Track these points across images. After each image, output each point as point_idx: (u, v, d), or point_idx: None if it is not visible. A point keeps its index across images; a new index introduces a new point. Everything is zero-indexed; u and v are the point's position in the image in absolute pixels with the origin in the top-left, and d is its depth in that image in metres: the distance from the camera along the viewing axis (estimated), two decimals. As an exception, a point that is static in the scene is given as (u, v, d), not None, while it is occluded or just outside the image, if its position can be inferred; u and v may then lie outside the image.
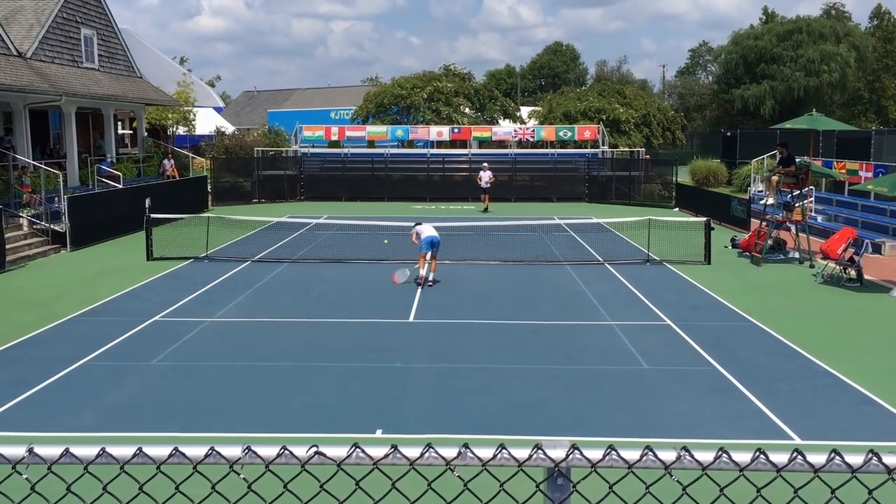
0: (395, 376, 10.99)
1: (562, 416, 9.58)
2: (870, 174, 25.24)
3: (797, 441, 8.69)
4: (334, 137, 42.40)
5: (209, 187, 34.63)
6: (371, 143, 41.93)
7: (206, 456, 1.74)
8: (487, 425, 9.12)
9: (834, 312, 14.95)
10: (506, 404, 9.78)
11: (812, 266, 19.34)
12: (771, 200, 20.88)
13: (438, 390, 10.45)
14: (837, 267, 17.54)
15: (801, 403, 9.94)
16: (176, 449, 1.72)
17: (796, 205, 20.43)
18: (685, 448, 1.98)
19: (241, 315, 14.63)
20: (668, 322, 13.97)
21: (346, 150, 40.84)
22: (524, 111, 55.13)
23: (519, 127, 46.09)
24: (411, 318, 14.39)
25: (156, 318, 14.23)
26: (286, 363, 11.58)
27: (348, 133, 42.51)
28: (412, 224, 18.12)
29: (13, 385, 10.43)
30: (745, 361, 11.62)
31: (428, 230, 17.21)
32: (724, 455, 1.99)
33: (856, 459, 1.93)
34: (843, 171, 27.26)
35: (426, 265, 16.98)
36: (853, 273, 17.25)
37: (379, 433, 8.92)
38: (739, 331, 13.49)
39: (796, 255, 20.55)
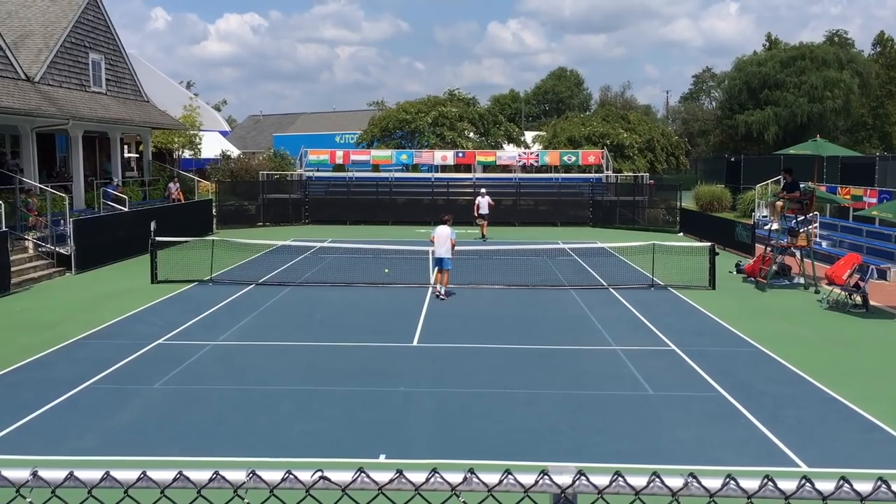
0: (398, 401, 10.95)
1: (566, 441, 9.52)
2: (874, 200, 25.23)
3: (804, 468, 8.61)
4: (339, 161, 42.60)
5: (214, 210, 34.76)
6: (375, 168, 42.09)
7: (211, 480, 1.73)
8: (491, 450, 9.06)
9: (839, 339, 14.88)
10: (509, 429, 9.72)
11: (817, 292, 19.29)
12: (776, 226, 20.87)
13: (442, 415, 10.39)
14: (843, 293, 17.49)
15: (807, 430, 9.86)
16: (180, 473, 1.71)
17: (801, 230, 20.42)
18: (692, 475, 1.97)
19: (244, 338, 14.61)
20: (673, 347, 13.91)
21: (350, 174, 41.00)
22: (528, 136, 55.38)
23: (523, 151, 46.30)
24: (415, 343, 14.35)
25: (160, 341, 14.22)
26: (289, 387, 11.55)
27: (353, 157, 42.71)
28: (416, 247, 18.34)
29: (16, 408, 10.41)
30: (751, 387, 11.55)
31: (440, 242, 18.08)
32: (732, 482, 1.97)
33: (864, 487, 1.92)
34: (848, 196, 27.27)
35: (440, 277, 18.34)
36: (859, 299, 17.19)
37: (382, 458, 8.87)
38: (744, 356, 13.42)
39: (801, 280, 20.50)
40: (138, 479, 1.72)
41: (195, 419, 10.24)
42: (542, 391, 11.39)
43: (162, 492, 1.74)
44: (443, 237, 18.06)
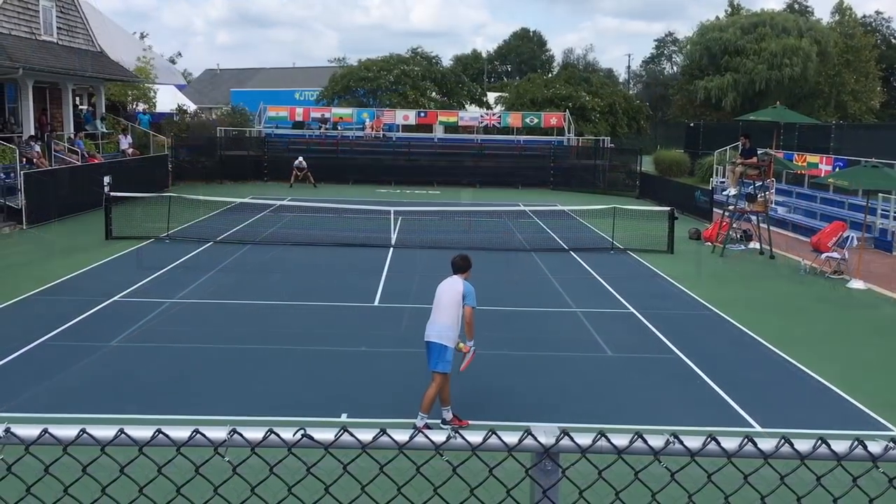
0: (359, 361, 10.93)
1: (525, 402, 9.60)
2: (829, 167, 25.68)
3: (756, 428, 8.82)
4: (299, 118, 41.97)
5: (170, 166, 34.07)
6: (335, 126, 41.58)
7: (191, 437, 1.68)
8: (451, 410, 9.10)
9: (793, 303, 15.22)
10: (469, 390, 9.76)
11: (772, 257, 19.67)
12: (733, 191, 21.14)
13: (403, 375, 10.40)
14: (825, 260, 17.73)
15: (761, 392, 10.10)
16: (159, 430, 1.66)
17: (759, 196, 20.72)
18: (674, 435, 1.97)
19: (203, 297, 14.43)
20: (632, 310, 14.09)
21: (312, 132, 40.47)
22: (491, 97, 55.10)
23: (485, 112, 46.08)
24: (376, 303, 14.32)
25: (116, 298, 13.96)
26: (249, 346, 11.45)
27: (313, 114, 42.12)
28: (376, 207, 17.79)
29: (-33, 364, 10.16)
30: (707, 350, 11.77)
31: (441, 307, 8.77)
32: (713, 442, 1.98)
33: (804, 446, 1.95)
34: (804, 163, 27.71)
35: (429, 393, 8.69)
36: (835, 267, 17.55)
37: (344, 417, 8.86)
38: (701, 320, 13.66)
39: (757, 245, 20.86)
40: (115, 437, 1.66)
41: (154, 377, 10.10)
42: (502, 352, 11.45)
43: (140, 449, 1.69)
44: (447, 299, 8.81)
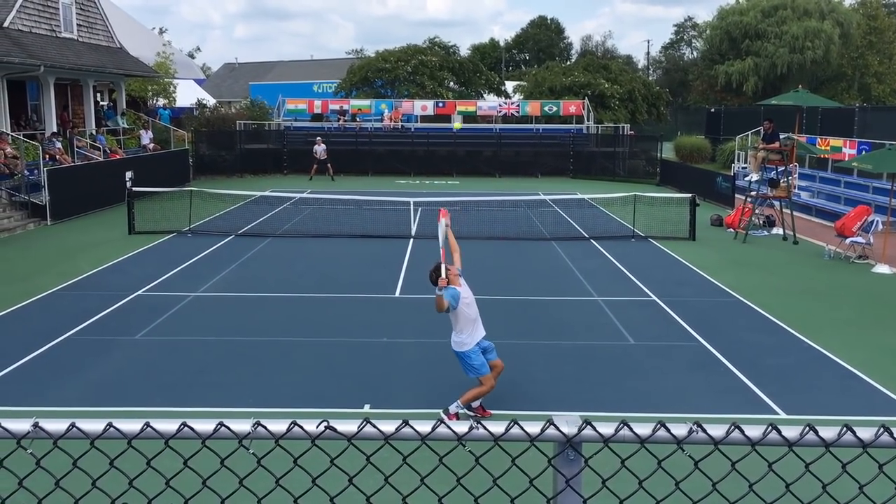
0: (381, 351, 10.97)
1: (547, 391, 9.60)
2: (853, 151, 25.36)
3: (782, 416, 8.76)
4: (317, 111, 42.07)
5: (190, 160, 34.31)
6: (354, 117, 41.63)
7: (215, 431, 1.69)
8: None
9: (818, 289, 15.06)
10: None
11: (796, 243, 19.48)
12: (755, 177, 20.94)
13: (424, 365, 10.43)
14: (850, 245, 17.54)
15: (786, 379, 10.01)
16: (184, 424, 1.67)
17: (781, 181, 20.51)
18: (697, 423, 1.96)
19: (225, 290, 14.53)
20: (654, 298, 14.02)
21: (331, 124, 40.53)
22: (509, 86, 54.89)
23: (504, 101, 45.93)
24: (397, 294, 14.35)
25: (139, 292, 14.10)
26: (271, 338, 11.52)
27: (331, 106, 42.19)
28: (396, 198, 17.83)
29: (-5, 359, 10.31)
30: (730, 337, 11.69)
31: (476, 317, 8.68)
32: (736, 430, 1.97)
33: (829, 434, 1.93)
34: (827, 147, 27.39)
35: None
36: (860, 252, 17.36)
37: (367, 408, 8.91)
38: (724, 306, 13.56)
39: (780, 231, 20.66)
40: (141, 431, 1.68)
41: (176, 371, 10.20)
42: (522, 342, 11.45)
43: (166, 442, 1.71)
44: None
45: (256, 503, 1.85)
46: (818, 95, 33.60)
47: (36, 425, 1.66)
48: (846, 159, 23.98)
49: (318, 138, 35.15)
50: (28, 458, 1.72)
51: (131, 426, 1.69)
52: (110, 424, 1.67)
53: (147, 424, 1.68)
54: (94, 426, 1.67)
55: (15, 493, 1.82)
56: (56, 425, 1.68)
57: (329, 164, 34.45)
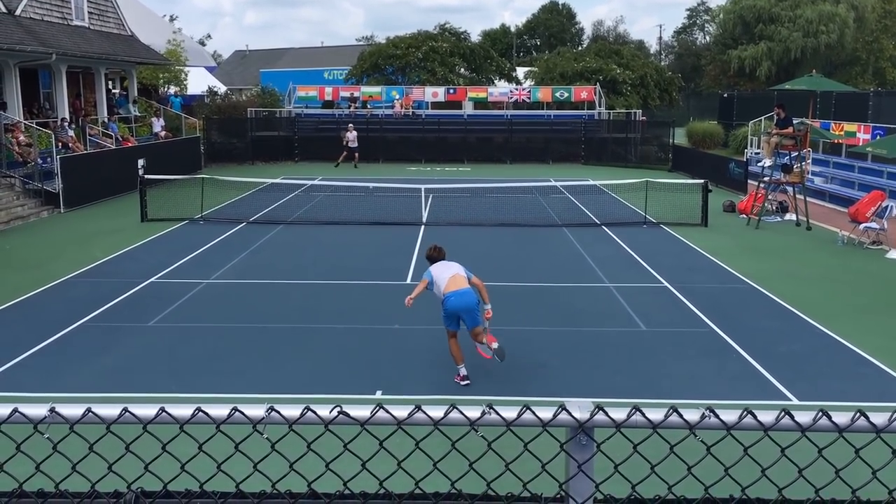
0: (393, 338, 11.00)
1: (559, 377, 9.61)
2: (867, 136, 25.15)
3: (794, 402, 8.74)
4: (328, 98, 42.03)
5: (202, 148, 34.38)
6: (364, 104, 41.55)
7: (229, 416, 1.70)
8: (484, 387, 9.15)
9: (831, 275, 14.98)
10: (503, 366, 9.79)
11: (809, 228, 19.37)
12: (768, 162, 20.80)
13: (436, 352, 10.44)
14: (864, 231, 17.43)
15: (798, 365, 9.99)
16: (199, 409, 1.69)
17: (795, 166, 20.37)
18: (710, 408, 1.96)
19: (237, 277, 14.59)
20: (666, 284, 13.98)
21: (342, 111, 40.49)
22: (520, 72, 54.63)
23: (515, 88, 45.72)
24: (409, 280, 14.36)
25: (152, 279, 14.18)
26: (283, 325, 11.57)
27: (342, 93, 42.13)
28: (408, 185, 17.86)
29: (10, 346, 10.40)
30: (743, 323, 11.66)
31: (449, 279, 9.31)
32: (749, 415, 1.97)
33: (842, 419, 1.92)
34: (841, 132, 27.17)
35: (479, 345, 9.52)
36: (874, 238, 17.25)
37: (379, 394, 8.94)
38: (737, 293, 13.52)
39: (793, 217, 20.54)
40: (156, 416, 1.69)
41: (191, 356, 10.27)
42: (535, 328, 11.45)
43: (181, 427, 1.72)
44: (460, 275, 9.41)
45: (271, 487, 1.87)
46: (832, 80, 33.32)
47: (52, 410, 1.67)
48: (860, 144, 23.81)
49: (350, 125, 35.07)
50: (45, 443, 1.74)
51: (146, 411, 1.71)
52: (126, 409, 1.68)
53: (162, 409, 1.69)
54: (109, 411, 1.69)
55: (32, 477, 1.84)
56: (72, 410, 1.69)
57: (356, 153, 34.31)
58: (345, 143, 34.34)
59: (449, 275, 9.31)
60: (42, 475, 1.84)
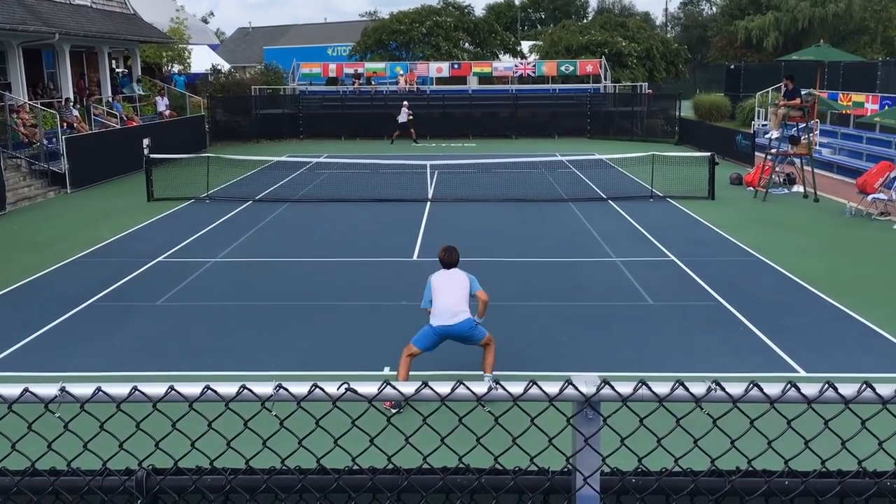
0: (400, 315, 11.02)
1: (566, 352, 9.63)
2: (876, 106, 24.94)
3: (802, 374, 8.75)
4: (332, 74, 41.85)
5: (207, 127, 34.32)
6: (369, 80, 41.36)
7: (238, 394, 1.72)
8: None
9: (839, 247, 14.93)
10: (510, 341, 9.80)
11: (816, 200, 19.28)
12: (776, 134, 20.67)
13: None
14: (872, 202, 17.35)
15: (806, 337, 9.99)
16: (208, 387, 1.70)
17: (802, 138, 20.24)
18: (716, 381, 1.96)
19: (244, 255, 14.63)
20: (673, 258, 13.96)
21: (346, 87, 40.32)
22: (525, 46, 54.25)
23: (520, 62, 45.43)
24: (415, 257, 14.39)
25: (160, 258, 14.23)
26: (291, 302, 11.61)
27: (346, 70, 41.94)
28: (413, 161, 17.82)
29: (19, 326, 10.48)
30: (750, 296, 11.64)
31: (453, 297, 8.40)
32: (755, 388, 1.97)
33: (849, 391, 1.92)
34: (849, 103, 26.95)
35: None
36: (882, 209, 17.18)
37: (386, 370, 8.98)
38: (744, 266, 13.49)
39: (801, 189, 20.44)
40: (166, 394, 1.70)
41: (199, 335, 10.33)
42: (542, 303, 11.47)
43: (190, 405, 1.73)
44: (457, 291, 8.44)
45: (280, 463, 1.88)
46: (840, 50, 32.96)
47: (63, 390, 1.69)
48: (868, 115, 23.61)
49: (405, 102, 35.11)
50: (56, 422, 1.75)
51: (156, 389, 1.72)
52: (136, 388, 1.69)
53: (171, 388, 1.70)
54: (119, 390, 1.70)
55: (44, 455, 1.86)
56: (82, 389, 1.71)
57: (412, 129, 34.25)
58: (406, 119, 34.33)
59: (449, 301, 8.32)
60: (54, 454, 1.86)
